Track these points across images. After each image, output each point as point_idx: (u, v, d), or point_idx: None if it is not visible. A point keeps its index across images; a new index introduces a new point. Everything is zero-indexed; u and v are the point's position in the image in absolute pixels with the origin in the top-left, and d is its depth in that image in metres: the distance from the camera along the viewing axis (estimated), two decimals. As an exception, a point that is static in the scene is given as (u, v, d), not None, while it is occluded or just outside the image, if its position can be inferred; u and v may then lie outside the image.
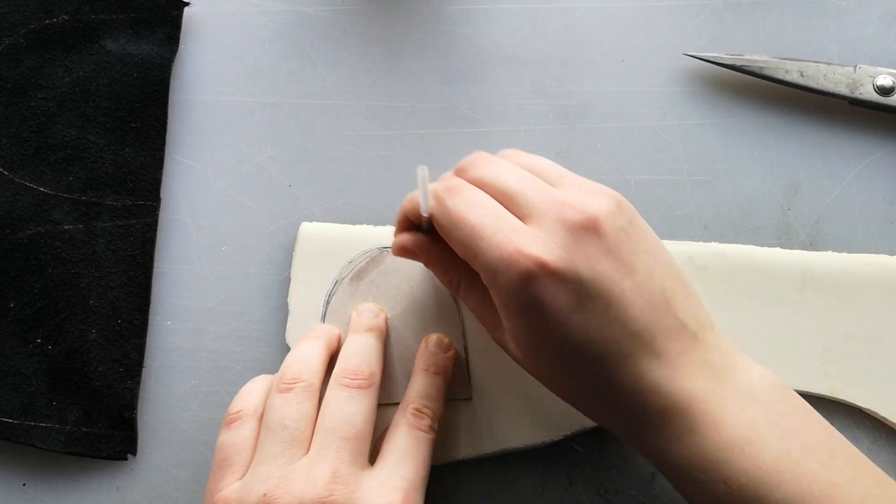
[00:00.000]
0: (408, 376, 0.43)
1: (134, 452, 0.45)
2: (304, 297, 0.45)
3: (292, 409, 0.39)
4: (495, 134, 0.49)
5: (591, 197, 0.37)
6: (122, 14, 0.48)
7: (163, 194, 0.47)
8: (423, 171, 0.36)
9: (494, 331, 0.40)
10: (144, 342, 0.45)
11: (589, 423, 0.44)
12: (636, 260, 0.36)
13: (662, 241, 0.46)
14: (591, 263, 0.35)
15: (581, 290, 0.35)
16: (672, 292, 0.37)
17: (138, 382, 0.45)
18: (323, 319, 0.45)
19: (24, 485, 0.45)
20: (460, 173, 0.40)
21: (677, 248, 0.46)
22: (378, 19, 0.50)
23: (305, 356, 0.41)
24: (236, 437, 0.39)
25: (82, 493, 0.44)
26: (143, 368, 0.45)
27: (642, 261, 0.36)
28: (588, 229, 0.36)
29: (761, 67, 0.48)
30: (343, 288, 0.45)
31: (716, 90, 0.50)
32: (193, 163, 0.48)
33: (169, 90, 0.48)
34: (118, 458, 0.44)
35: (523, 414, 0.44)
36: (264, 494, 0.36)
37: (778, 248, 0.47)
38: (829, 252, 0.47)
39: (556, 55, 0.50)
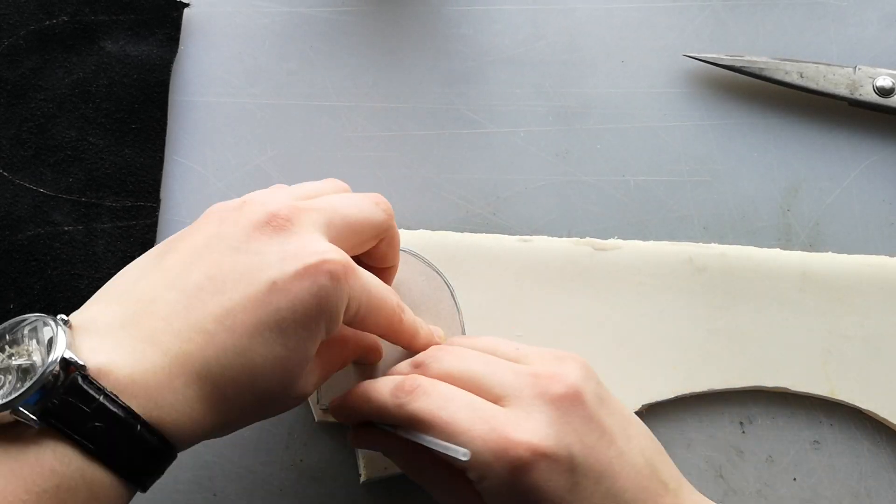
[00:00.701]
0: None
1: (133, 454, 0.45)
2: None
3: (319, 186, 0.39)
4: (495, 135, 0.49)
5: (560, 365, 0.36)
6: (122, 15, 0.48)
7: (162, 195, 0.47)
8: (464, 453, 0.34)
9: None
10: (144, 343, 0.45)
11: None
12: (613, 424, 0.36)
13: (662, 242, 0.46)
14: (578, 437, 0.35)
15: (573, 467, 0.34)
16: (650, 452, 0.36)
17: (138, 384, 0.45)
18: None
19: (23, 486, 0.45)
20: (421, 369, 0.38)
21: (677, 249, 0.46)
22: (378, 21, 0.50)
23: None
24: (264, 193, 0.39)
25: (82, 494, 0.44)
26: (143, 370, 0.45)
27: (617, 424, 0.36)
28: (570, 400, 0.35)
29: (761, 68, 0.48)
30: None
31: (716, 91, 0.50)
32: (193, 164, 0.48)
33: (169, 91, 0.48)
34: (118, 460, 0.44)
35: None
36: (244, 199, 0.36)
37: (778, 249, 0.47)
38: (829, 253, 0.47)
39: (556, 56, 0.50)
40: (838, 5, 0.51)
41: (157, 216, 0.47)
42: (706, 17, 0.50)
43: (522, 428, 0.34)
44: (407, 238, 0.46)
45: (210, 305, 0.32)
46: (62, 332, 0.31)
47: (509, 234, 0.47)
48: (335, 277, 0.34)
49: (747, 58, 0.49)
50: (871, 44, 0.50)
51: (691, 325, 0.45)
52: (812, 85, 0.48)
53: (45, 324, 0.32)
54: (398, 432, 0.37)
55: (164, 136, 0.48)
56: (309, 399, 0.44)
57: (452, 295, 0.45)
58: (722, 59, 0.49)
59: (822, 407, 0.45)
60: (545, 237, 0.47)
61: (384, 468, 0.43)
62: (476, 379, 0.36)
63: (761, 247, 0.47)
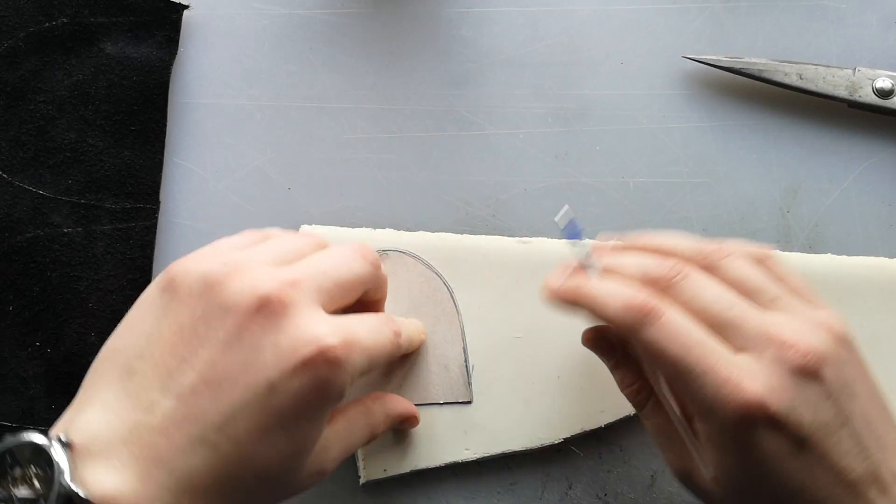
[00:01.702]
0: (406, 377, 0.43)
1: (133, 456, 0.44)
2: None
3: (300, 242, 0.37)
4: (494, 136, 0.49)
5: (812, 332, 0.34)
6: (122, 17, 0.48)
7: (162, 197, 0.47)
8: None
9: (678, 460, 0.37)
10: (143, 345, 0.45)
11: (588, 425, 0.44)
12: (853, 406, 0.34)
13: None
14: (811, 410, 0.33)
15: (800, 437, 0.33)
16: (886, 440, 0.35)
17: (137, 386, 0.45)
18: None
19: (23, 488, 0.45)
20: (658, 283, 0.36)
21: None
22: (377, 22, 0.50)
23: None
24: (233, 240, 0.38)
25: (81, 496, 0.44)
26: (143, 371, 0.45)
27: (858, 407, 0.34)
28: (810, 374, 0.33)
29: (760, 70, 0.48)
30: None
31: (715, 93, 0.50)
32: (193, 166, 0.48)
33: (168, 93, 0.48)
34: (117, 462, 0.44)
35: (522, 417, 0.44)
36: (224, 270, 0.34)
37: (777, 251, 0.46)
38: (829, 255, 0.47)
39: (555, 58, 0.50)
40: (837, 7, 0.51)
41: (156, 218, 0.47)
42: (705, 18, 0.50)
43: (756, 382, 0.33)
44: (407, 240, 0.46)
45: (210, 414, 0.32)
46: (64, 460, 0.30)
47: (509, 236, 0.47)
48: (335, 364, 0.33)
49: (746, 59, 0.49)
50: (871, 45, 0.50)
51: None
52: (811, 86, 0.48)
53: (46, 447, 0.31)
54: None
55: (164, 137, 0.48)
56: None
57: (452, 297, 0.45)
58: (721, 60, 0.49)
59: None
60: (544, 239, 0.47)
61: (383, 470, 0.43)
62: (717, 319, 0.35)
63: (761, 248, 0.47)
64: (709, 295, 0.35)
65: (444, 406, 0.44)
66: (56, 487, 0.30)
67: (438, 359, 0.44)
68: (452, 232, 0.47)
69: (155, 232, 0.47)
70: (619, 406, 0.44)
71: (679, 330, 0.34)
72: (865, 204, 0.48)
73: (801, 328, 0.35)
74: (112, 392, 0.33)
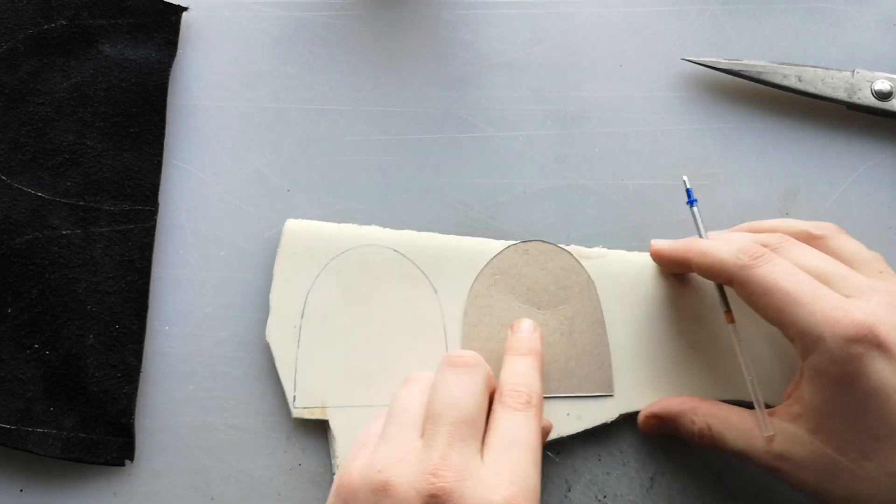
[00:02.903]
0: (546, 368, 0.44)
1: (131, 458, 0.44)
2: (286, 294, 0.45)
3: (415, 392, 0.38)
4: (494, 139, 0.49)
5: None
6: (121, 19, 0.48)
7: (161, 199, 0.47)
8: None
9: (740, 439, 0.39)
10: (142, 347, 0.45)
11: (564, 431, 0.44)
12: None
13: (647, 252, 0.46)
14: None
15: None
16: None
17: (136, 388, 0.45)
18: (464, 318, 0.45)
19: (21, 491, 0.44)
20: (769, 248, 0.38)
21: None
22: (376, 25, 0.50)
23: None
24: (404, 399, 0.38)
25: (79, 499, 0.44)
26: (141, 374, 0.45)
27: None
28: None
29: (759, 72, 0.48)
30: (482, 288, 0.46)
31: (714, 95, 0.50)
32: (192, 168, 0.48)
33: (167, 95, 0.48)
34: (116, 464, 0.44)
35: None
36: (384, 474, 0.35)
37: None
38: None
39: (554, 60, 0.50)
40: (836, 9, 0.51)
41: (155, 220, 0.47)
42: (704, 20, 0.51)
43: (866, 313, 0.34)
44: (392, 237, 0.46)
45: None
46: None
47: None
48: None
49: (746, 61, 0.49)
50: (869, 48, 0.50)
51: (673, 335, 0.45)
52: (810, 89, 0.48)
53: None
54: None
55: (163, 139, 0.48)
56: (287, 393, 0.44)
57: (593, 286, 0.45)
58: (720, 62, 0.49)
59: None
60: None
61: None
62: (826, 273, 0.36)
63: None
64: (813, 256, 0.38)
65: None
66: None
67: (579, 349, 0.44)
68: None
69: (154, 234, 0.47)
70: (597, 414, 0.44)
71: (791, 269, 0.36)
72: (864, 206, 0.48)
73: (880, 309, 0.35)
74: None
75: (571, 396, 0.44)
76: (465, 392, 0.37)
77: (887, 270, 0.38)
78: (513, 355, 0.42)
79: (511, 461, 0.35)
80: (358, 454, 0.37)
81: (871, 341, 0.33)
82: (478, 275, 0.45)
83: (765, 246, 0.38)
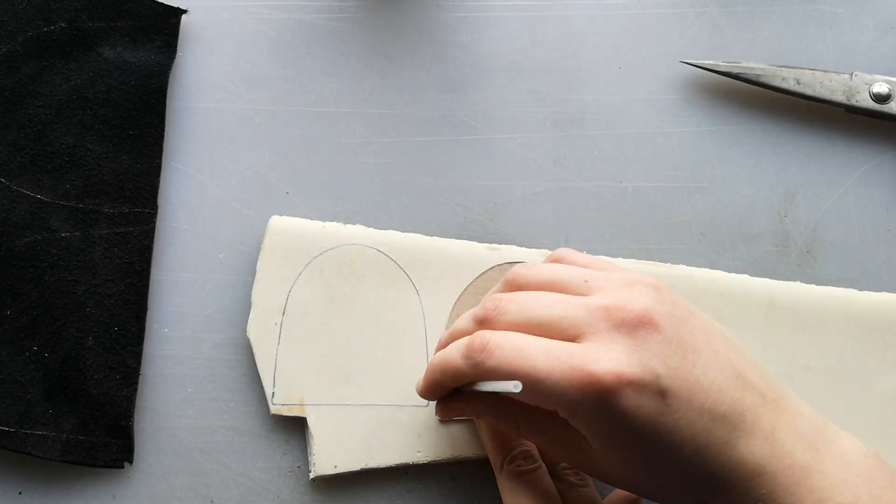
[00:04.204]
0: None
1: (130, 461, 0.44)
2: (269, 290, 0.45)
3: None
4: (493, 141, 0.49)
5: (629, 292, 0.36)
6: (120, 22, 0.48)
7: (160, 202, 0.47)
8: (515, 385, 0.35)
9: (573, 456, 0.38)
10: (141, 350, 0.45)
11: None
12: (695, 341, 0.35)
13: (630, 260, 0.47)
14: (661, 360, 0.34)
15: (662, 390, 0.34)
16: (738, 363, 0.36)
17: (135, 390, 0.45)
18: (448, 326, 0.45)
19: (20, 493, 0.44)
20: (485, 324, 0.38)
21: (644, 268, 0.46)
22: (376, 27, 0.50)
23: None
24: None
25: (79, 501, 0.44)
26: (140, 376, 0.45)
27: (700, 340, 0.36)
28: (644, 326, 0.35)
29: (758, 75, 0.48)
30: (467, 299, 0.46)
31: (713, 98, 0.50)
32: (191, 170, 0.48)
33: (167, 98, 0.48)
34: (115, 467, 0.44)
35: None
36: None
37: (745, 276, 0.47)
38: (797, 282, 0.47)
39: (553, 63, 0.50)
40: (835, 12, 0.51)
41: (154, 222, 0.47)
42: (703, 23, 0.51)
43: (602, 359, 0.34)
44: (377, 238, 0.46)
45: None
46: None
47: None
48: None
49: (744, 64, 0.49)
50: (868, 50, 0.50)
51: None
52: (809, 91, 0.48)
53: None
54: (464, 390, 0.38)
55: (162, 142, 0.48)
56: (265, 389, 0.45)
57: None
58: (719, 65, 0.49)
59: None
60: (514, 247, 0.47)
61: (333, 466, 0.44)
62: (546, 323, 0.36)
63: (759, 252, 0.47)
64: (528, 305, 0.37)
65: (401, 406, 0.44)
66: None
67: None
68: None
69: (153, 236, 0.47)
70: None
71: (517, 347, 0.35)
72: (863, 208, 0.48)
73: (618, 293, 0.36)
74: None
75: None
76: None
77: (589, 277, 0.38)
78: None
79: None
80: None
81: (619, 386, 0.33)
82: (460, 294, 0.45)
83: (484, 321, 0.38)
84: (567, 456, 0.38)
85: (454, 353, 0.37)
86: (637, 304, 0.35)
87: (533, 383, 0.34)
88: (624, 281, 0.37)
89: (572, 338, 0.35)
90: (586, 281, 0.38)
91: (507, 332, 0.36)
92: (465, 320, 0.39)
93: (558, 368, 0.34)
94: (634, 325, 0.35)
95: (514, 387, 0.34)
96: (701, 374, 0.34)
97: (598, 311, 0.35)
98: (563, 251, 0.41)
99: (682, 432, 0.34)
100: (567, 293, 0.37)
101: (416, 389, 0.41)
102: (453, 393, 0.40)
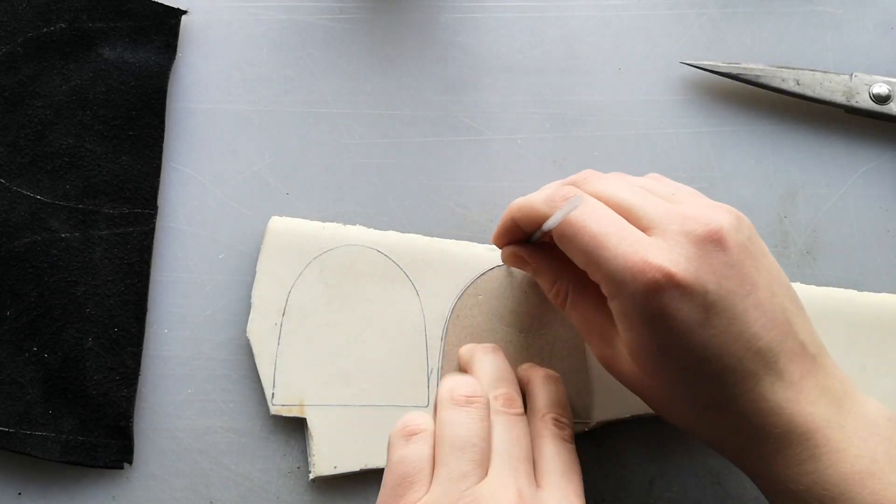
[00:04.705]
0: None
1: (130, 461, 0.44)
2: (268, 291, 0.45)
3: (476, 426, 0.38)
4: (493, 142, 0.49)
5: (711, 210, 0.37)
6: (120, 22, 0.48)
7: (160, 202, 0.47)
8: (576, 199, 0.37)
9: (602, 347, 0.39)
10: (141, 350, 0.45)
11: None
12: (758, 276, 0.36)
13: None
14: (716, 277, 0.35)
15: (706, 303, 0.34)
16: (791, 313, 0.36)
17: (135, 391, 0.45)
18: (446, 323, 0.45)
19: (19, 494, 0.44)
20: (575, 185, 0.40)
21: None
22: (376, 28, 0.50)
23: (477, 375, 0.41)
24: (418, 453, 0.37)
25: (78, 502, 0.44)
26: (140, 377, 0.45)
27: (763, 278, 0.36)
28: (713, 241, 0.35)
29: (758, 76, 0.48)
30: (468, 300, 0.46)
31: (712, 98, 0.50)
32: (191, 171, 0.48)
33: (166, 98, 0.48)
34: (114, 467, 0.44)
35: None
36: None
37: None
38: (797, 283, 0.47)
39: (553, 64, 0.50)
40: (834, 13, 0.51)
41: (154, 223, 0.47)
42: (703, 24, 0.51)
43: (662, 255, 0.35)
44: (376, 238, 0.46)
45: None
46: None
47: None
48: None
49: (744, 65, 0.49)
50: (867, 51, 0.50)
51: None
52: (808, 92, 0.48)
53: None
54: (534, 237, 0.41)
55: (162, 143, 0.48)
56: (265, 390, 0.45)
57: None
58: (719, 66, 0.49)
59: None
60: (513, 247, 0.47)
61: (333, 466, 0.43)
62: (625, 206, 0.37)
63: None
64: (618, 187, 0.38)
65: (400, 407, 0.44)
66: None
67: (560, 375, 0.43)
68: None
69: (153, 237, 0.47)
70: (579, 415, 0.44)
71: (594, 211, 0.37)
72: (863, 209, 0.48)
73: (700, 208, 0.37)
74: None
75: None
76: (519, 431, 0.38)
77: (679, 191, 0.39)
78: (540, 374, 0.42)
79: (569, 488, 0.37)
80: (405, 491, 0.36)
81: (668, 285, 0.34)
82: (460, 294, 0.45)
83: (572, 184, 0.40)
84: (596, 343, 0.39)
85: (537, 197, 0.39)
86: (713, 221, 0.36)
87: (595, 247, 0.36)
88: (708, 202, 0.38)
89: (644, 229, 0.36)
90: (674, 194, 0.39)
91: (590, 196, 0.38)
92: (554, 183, 0.41)
93: (623, 245, 0.35)
94: (704, 238, 0.35)
95: (574, 203, 0.37)
96: (751, 306, 0.35)
97: (675, 215, 0.36)
98: (654, 174, 0.42)
99: (711, 350, 0.35)
100: (630, 217, 0.38)
101: (492, 237, 0.44)
102: (521, 242, 0.42)
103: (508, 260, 0.43)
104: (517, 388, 0.41)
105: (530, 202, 0.40)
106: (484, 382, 0.40)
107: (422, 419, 0.39)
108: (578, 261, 0.37)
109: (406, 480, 0.37)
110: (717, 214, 0.36)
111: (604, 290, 0.36)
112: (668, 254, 0.35)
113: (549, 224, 0.38)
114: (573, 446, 0.39)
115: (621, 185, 0.39)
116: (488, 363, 0.42)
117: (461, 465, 0.36)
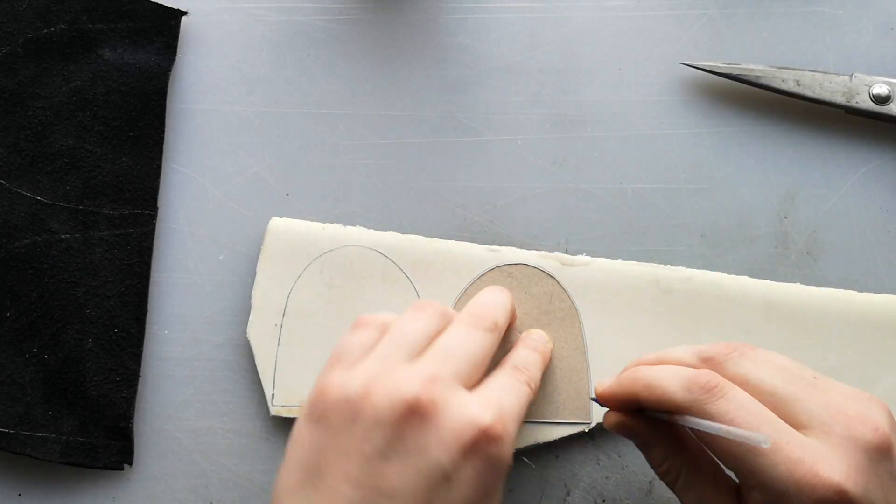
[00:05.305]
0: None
1: (130, 462, 0.44)
2: (268, 292, 0.45)
3: (420, 324, 0.37)
4: (493, 142, 0.49)
5: (869, 406, 0.34)
6: (120, 23, 0.48)
7: (160, 203, 0.47)
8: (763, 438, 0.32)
9: None
10: (141, 351, 0.45)
11: (542, 438, 0.44)
12: None
13: (630, 262, 0.46)
14: (883, 492, 0.32)
15: None
16: None
17: (135, 392, 0.45)
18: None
19: (19, 495, 0.44)
20: (713, 365, 0.36)
21: (644, 270, 0.46)
22: (375, 29, 0.50)
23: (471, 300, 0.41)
24: (357, 339, 0.37)
25: (78, 503, 0.44)
26: (140, 378, 0.45)
27: None
28: (883, 451, 0.33)
29: (758, 76, 0.48)
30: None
31: (712, 99, 0.50)
32: (191, 172, 0.48)
33: (166, 99, 0.48)
34: (114, 468, 0.44)
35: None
36: (363, 384, 0.34)
37: (745, 277, 0.46)
38: (797, 284, 0.47)
39: (553, 64, 0.50)
40: (834, 14, 0.51)
41: (154, 224, 0.47)
42: (703, 25, 0.51)
43: (832, 467, 0.32)
44: (376, 239, 0.46)
45: None
46: None
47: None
48: (498, 440, 0.34)
49: (744, 66, 0.49)
50: (867, 52, 0.50)
51: (653, 346, 0.45)
52: (808, 93, 0.48)
53: None
54: (678, 420, 0.35)
55: (162, 144, 0.48)
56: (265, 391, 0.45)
57: (577, 311, 0.45)
58: (719, 67, 0.49)
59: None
60: (513, 248, 0.47)
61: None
62: (777, 396, 0.34)
63: (759, 254, 0.47)
64: (764, 369, 0.35)
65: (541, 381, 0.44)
66: None
67: (558, 375, 0.44)
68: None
69: (153, 238, 0.47)
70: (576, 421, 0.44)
71: (746, 405, 0.33)
72: (863, 210, 0.48)
73: (858, 404, 0.34)
74: None
75: (547, 422, 0.44)
76: (475, 342, 0.37)
77: (818, 375, 0.36)
78: (523, 338, 0.43)
79: (501, 393, 0.36)
80: (333, 366, 0.36)
81: (838, 501, 0.32)
82: (460, 295, 0.45)
83: (709, 360, 0.36)
84: None
85: (671, 378, 0.35)
86: (880, 425, 0.33)
87: (748, 452, 0.33)
88: (857, 393, 0.35)
89: (800, 426, 0.33)
90: (815, 377, 0.36)
91: (736, 386, 0.34)
92: (684, 351, 0.37)
93: (784, 452, 0.32)
94: (874, 447, 0.33)
95: (763, 442, 0.32)
96: None
97: (836, 413, 0.33)
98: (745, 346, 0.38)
99: None
100: (784, 410, 0.34)
101: (597, 389, 0.39)
102: (636, 412, 0.38)
103: (614, 428, 0.38)
104: (503, 321, 0.40)
105: (663, 385, 0.35)
106: (470, 306, 0.40)
107: (377, 316, 0.38)
108: (724, 460, 0.34)
109: (337, 358, 0.37)
110: (878, 414, 0.34)
111: (755, 497, 0.33)
112: (837, 464, 0.32)
113: (700, 425, 0.34)
114: (524, 388, 0.38)
115: (763, 366, 0.35)
116: (487, 294, 0.42)
117: (391, 349, 0.36)
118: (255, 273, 0.46)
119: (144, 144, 0.47)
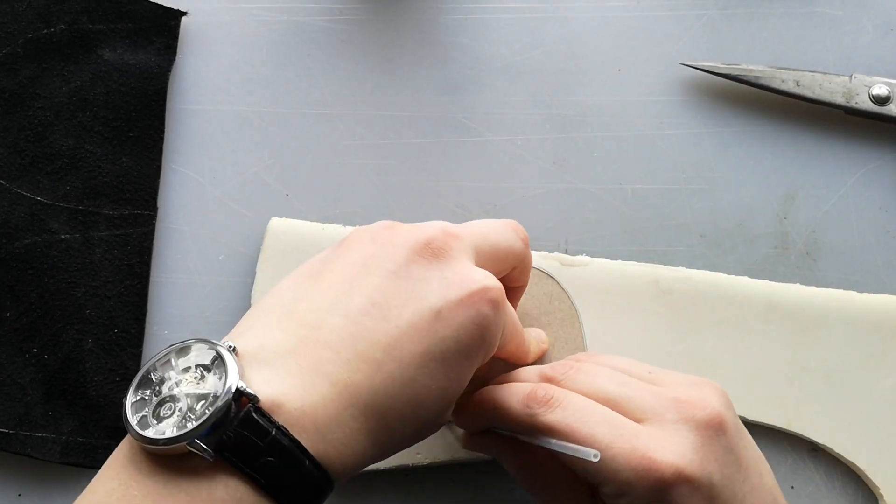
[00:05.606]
0: None
1: (130, 462, 0.44)
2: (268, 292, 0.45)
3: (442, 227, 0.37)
4: (492, 143, 0.49)
5: (699, 390, 0.36)
6: (120, 24, 0.48)
7: (160, 203, 0.47)
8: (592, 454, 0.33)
9: None
10: (141, 352, 0.45)
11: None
12: (749, 458, 0.35)
13: (630, 262, 0.46)
14: (719, 465, 0.34)
15: (712, 496, 0.33)
16: (776, 491, 0.36)
17: (135, 392, 0.45)
18: None
19: (19, 495, 0.44)
20: (554, 382, 0.37)
21: (644, 270, 0.46)
22: (375, 29, 0.50)
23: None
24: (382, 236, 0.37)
25: (78, 503, 0.44)
26: (140, 378, 0.45)
27: (751, 458, 0.35)
28: (714, 427, 0.34)
29: (757, 77, 0.48)
30: None
31: (712, 99, 0.50)
32: (190, 172, 0.48)
33: (166, 100, 0.48)
34: (114, 469, 0.44)
35: None
36: (391, 223, 0.36)
37: (745, 277, 0.46)
38: (796, 284, 0.47)
39: (553, 65, 0.50)
40: (834, 14, 0.51)
41: (154, 224, 0.47)
42: (703, 25, 0.51)
43: (667, 449, 0.33)
44: None
45: (376, 333, 0.32)
46: (233, 361, 0.30)
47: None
48: (496, 305, 0.34)
49: (744, 66, 0.49)
50: (867, 52, 0.50)
51: (653, 346, 0.45)
52: (808, 93, 0.48)
53: (212, 349, 0.31)
54: (520, 437, 0.36)
55: (162, 144, 0.48)
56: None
57: (577, 313, 0.45)
58: (719, 67, 0.49)
59: (778, 438, 0.45)
60: None
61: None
62: (613, 399, 0.35)
63: (759, 254, 0.47)
64: (598, 378, 0.36)
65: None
66: (227, 385, 0.29)
67: None
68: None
69: (153, 238, 0.47)
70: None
71: (582, 409, 0.35)
72: (863, 210, 0.48)
73: (687, 389, 0.36)
74: (276, 317, 0.33)
75: None
76: (503, 235, 0.38)
77: (654, 369, 0.38)
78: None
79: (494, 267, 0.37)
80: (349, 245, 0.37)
81: (678, 481, 0.33)
82: None
83: (550, 379, 0.37)
84: None
85: (511, 396, 0.36)
86: (710, 404, 0.35)
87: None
88: (690, 381, 0.37)
89: (637, 419, 0.35)
90: (650, 372, 0.37)
91: (572, 392, 0.35)
92: (528, 372, 0.38)
93: (619, 445, 0.33)
94: (705, 424, 0.34)
95: (593, 455, 0.33)
96: (748, 492, 0.34)
97: (667, 401, 0.35)
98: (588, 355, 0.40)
99: None
100: (620, 409, 0.36)
101: (451, 417, 0.39)
102: (487, 431, 0.38)
103: (469, 446, 0.40)
104: (528, 253, 0.40)
105: (505, 404, 0.36)
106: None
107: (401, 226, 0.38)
108: (572, 466, 0.35)
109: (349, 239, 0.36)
110: (708, 395, 0.35)
111: (605, 491, 0.34)
112: (672, 446, 0.33)
113: (539, 441, 0.35)
114: (521, 331, 0.39)
115: (599, 375, 0.37)
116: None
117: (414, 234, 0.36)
118: (255, 273, 0.46)
119: (144, 145, 0.47)
